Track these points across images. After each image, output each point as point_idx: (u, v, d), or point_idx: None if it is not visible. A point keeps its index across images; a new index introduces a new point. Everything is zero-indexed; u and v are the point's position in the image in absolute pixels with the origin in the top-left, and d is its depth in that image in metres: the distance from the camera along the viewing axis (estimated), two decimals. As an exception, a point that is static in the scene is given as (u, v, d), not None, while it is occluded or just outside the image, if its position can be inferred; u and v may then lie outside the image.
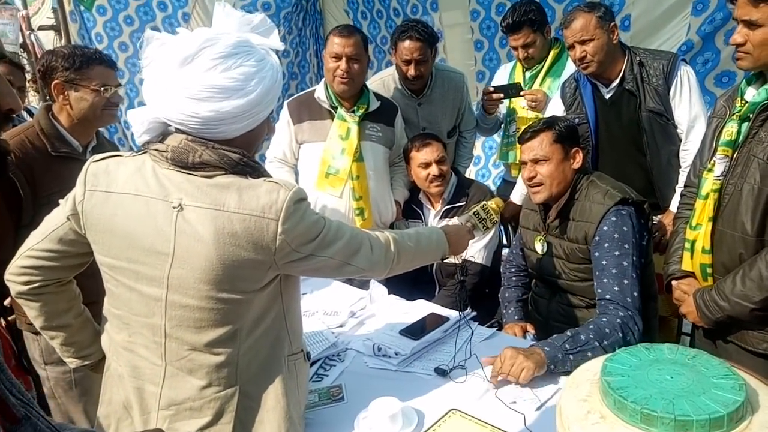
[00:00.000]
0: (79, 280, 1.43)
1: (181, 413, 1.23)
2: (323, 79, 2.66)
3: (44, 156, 1.86)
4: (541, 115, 2.81)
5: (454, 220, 1.80)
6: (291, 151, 2.73)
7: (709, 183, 1.72)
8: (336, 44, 2.50)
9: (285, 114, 2.70)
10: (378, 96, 2.72)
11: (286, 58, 4.82)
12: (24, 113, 3.10)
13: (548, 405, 1.55)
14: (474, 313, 2.01)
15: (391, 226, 2.83)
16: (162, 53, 1.17)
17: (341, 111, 2.59)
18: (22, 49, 5.20)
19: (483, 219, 1.75)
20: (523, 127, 2.77)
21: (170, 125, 1.21)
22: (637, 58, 2.40)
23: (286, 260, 1.20)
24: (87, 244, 1.27)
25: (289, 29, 4.76)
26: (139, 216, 1.18)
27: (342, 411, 1.58)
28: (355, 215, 2.63)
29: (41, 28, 5.24)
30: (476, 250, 2.55)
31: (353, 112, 2.59)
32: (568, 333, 1.73)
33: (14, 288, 1.34)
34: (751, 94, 1.67)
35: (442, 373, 1.72)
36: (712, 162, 1.74)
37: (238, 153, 1.19)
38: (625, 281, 1.84)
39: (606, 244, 1.90)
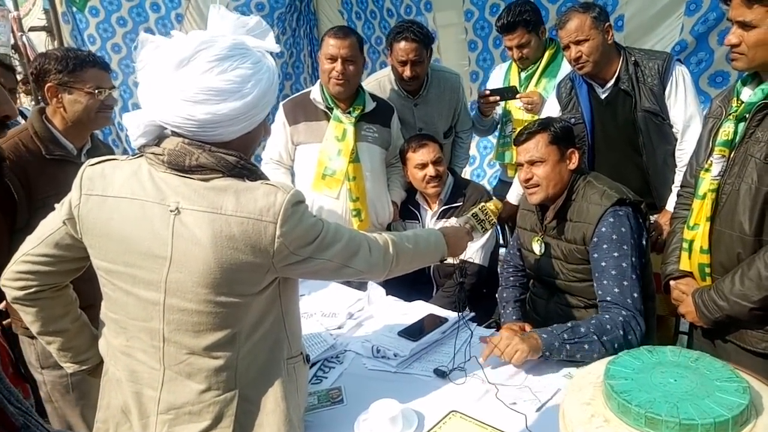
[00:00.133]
0: (75, 284, 1.41)
1: (180, 417, 1.22)
2: (319, 81, 2.65)
3: (38, 159, 1.85)
4: (537, 117, 2.81)
5: (452, 221, 1.79)
6: (287, 152, 2.72)
7: (707, 183, 1.72)
8: (331, 46, 2.49)
9: (280, 115, 2.69)
10: (374, 97, 2.71)
11: (280, 59, 4.81)
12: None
13: (548, 405, 1.55)
14: (473, 314, 2.01)
15: (388, 227, 2.82)
16: (157, 56, 1.16)
17: (337, 112, 2.58)
18: (13, 51, 5.16)
19: (482, 221, 1.75)
20: (519, 128, 2.78)
21: (166, 128, 1.20)
22: (632, 58, 2.41)
23: (285, 263, 1.19)
24: (83, 248, 1.26)
25: (283, 30, 4.74)
26: (136, 220, 1.17)
27: (341, 413, 1.58)
28: (351, 216, 2.62)
29: (32, 29, 5.21)
30: (473, 251, 2.55)
31: (349, 113, 2.59)
32: (569, 324, 1.76)
33: (10, 293, 1.33)
34: (747, 94, 1.67)
35: (442, 374, 1.71)
36: (708, 162, 1.74)
37: (235, 156, 1.18)
38: (625, 282, 1.85)
39: (604, 246, 1.90)
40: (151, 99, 1.17)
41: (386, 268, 1.41)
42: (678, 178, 2.42)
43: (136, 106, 4.53)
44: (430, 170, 2.57)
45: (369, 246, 1.35)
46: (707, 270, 1.76)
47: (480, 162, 4.48)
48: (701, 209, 1.74)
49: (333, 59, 2.50)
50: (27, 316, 1.35)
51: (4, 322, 1.90)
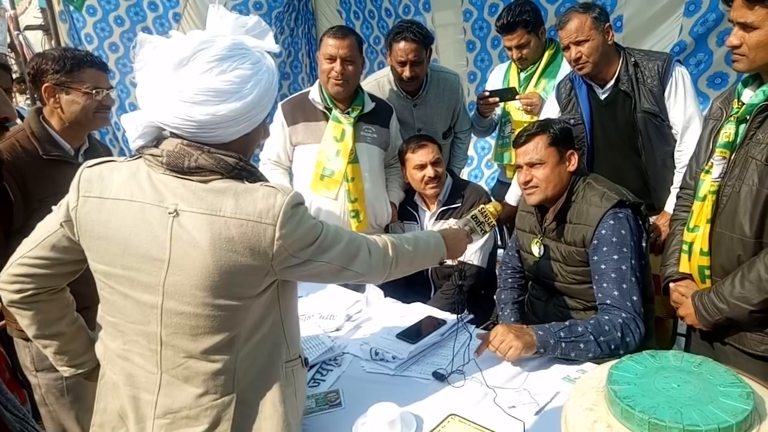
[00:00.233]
0: (72, 286, 1.40)
1: (177, 422, 1.21)
2: (317, 81, 2.64)
3: (35, 160, 1.83)
4: (536, 118, 2.81)
5: (451, 222, 1.79)
6: (285, 152, 2.70)
7: (707, 185, 1.72)
8: (330, 46, 2.48)
9: (279, 115, 2.67)
10: (373, 97, 2.70)
11: (278, 58, 4.79)
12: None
13: (547, 409, 1.54)
14: (471, 316, 2.00)
15: (387, 228, 2.81)
16: (155, 56, 1.15)
17: (336, 112, 2.57)
18: (9, 50, 5.14)
19: (481, 223, 1.75)
20: (517, 129, 2.77)
21: (165, 129, 1.19)
22: (632, 59, 2.40)
23: (284, 266, 1.18)
24: (81, 251, 1.25)
25: (281, 29, 4.73)
26: (134, 222, 1.16)
27: (340, 417, 1.56)
28: (350, 217, 2.61)
29: (28, 27, 5.17)
30: (472, 252, 2.54)
31: (348, 113, 2.58)
32: (567, 323, 1.78)
33: (6, 297, 1.31)
34: (748, 95, 1.67)
35: (441, 377, 1.70)
36: (709, 164, 1.74)
37: (235, 157, 1.18)
38: (625, 285, 1.84)
39: (604, 248, 1.89)
40: (150, 100, 1.16)
41: (386, 271, 1.40)
42: (677, 179, 2.42)
43: (133, 106, 4.54)
44: (429, 171, 2.56)
45: (369, 248, 1.34)
46: (707, 272, 1.75)
47: (478, 162, 4.47)
48: (701, 211, 1.73)
49: (332, 59, 2.48)
50: (23, 319, 1.34)
51: (-1, 325, 1.89)
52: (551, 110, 2.67)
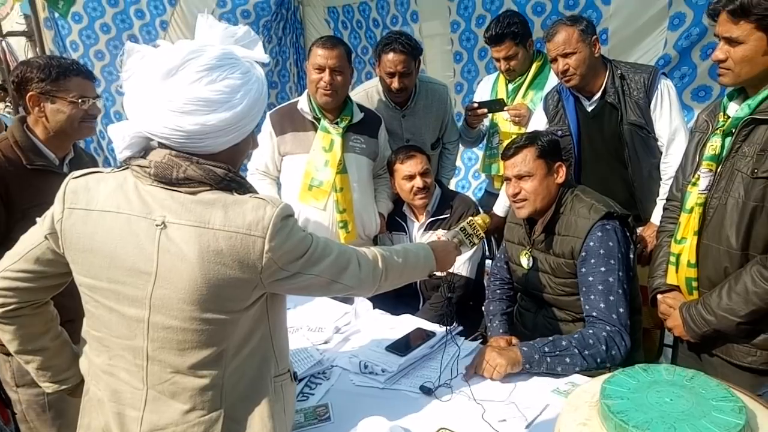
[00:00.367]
0: (56, 299, 1.37)
1: (163, 439, 1.19)
2: (306, 91, 2.63)
3: (19, 169, 1.80)
4: (523, 129, 2.82)
5: (440, 232, 1.79)
6: (273, 163, 2.69)
7: (694, 197, 1.73)
8: (319, 56, 2.48)
9: (267, 125, 2.66)
10: (361, 107, 2.70)
11: (265, 67, 4.78)
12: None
13: (537, 422, 1.54)
14: (460, 328, 1.99)
15: (375, 239, 2.80)
16: (143, 66, 1.13)
17: (324, 123, 2.56)
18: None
19: (470, 235, 1.75)
20: (505, 140, 2.78)
21: (153, 140, 1.17)
22: (619, 72, 2.43)
23: (273, 279, 1.17)
24: (65, 264, 1.22)
25: (268, 38, 4.72)
26: (121, 234, 1.14)
27: (328, 431, 1.54)
28: (338, 228, 2.60)
29: (11, 34, 5.10)
30: (460, 263, 2.54)
31: (337, 123, 2.57)
32: (551, 338, 1.79)
33: (-13, 311, 1.28)
34: (734, 109, 1.69)
35: (428, 391, 1.69)
36: (696, 176, 1.76)
37: (224, 168, 1.16)
38: (611, 297, 1.85)
39: (592, 260, 1.90)
40: (138, 109, 1.14)
41: (375, 283, 1.39)
42: (663, 190, 2.44)
43: (119, 114, 4.50)
44: (418, 182, 2.56)
45: (358, 261, 1.33)
46: (694, 284, 1.76)
47: (465, 173, 4.49)
48: (688, 223, 1.75)
49: (321, 69, 2.48)
50: (5, 334, 1.31)
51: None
52: (539, 122, 2.69)
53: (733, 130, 1.64)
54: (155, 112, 1.11)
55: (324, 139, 2.56)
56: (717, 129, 1.71)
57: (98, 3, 4.34)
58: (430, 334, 1.97)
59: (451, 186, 4.00)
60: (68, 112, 1.84)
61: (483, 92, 3.17)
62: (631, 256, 1.99)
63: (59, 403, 1.86)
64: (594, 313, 1.86)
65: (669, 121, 2.39)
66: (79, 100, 1.85)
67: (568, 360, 1.73)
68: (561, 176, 2.05)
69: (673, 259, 1.81)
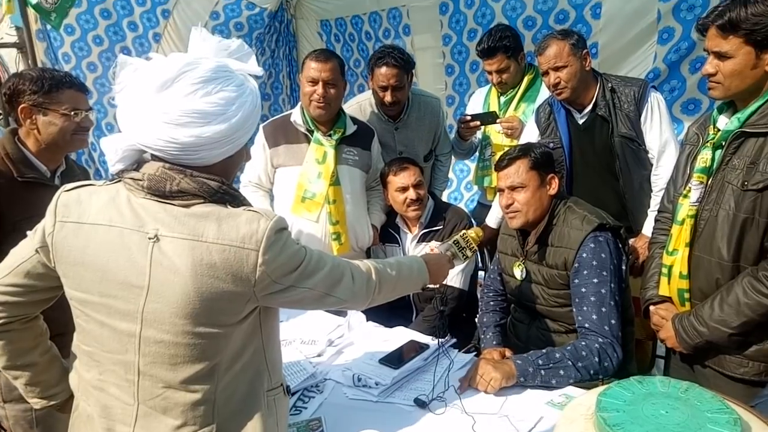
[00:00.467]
0: (46, 312, 1.35)
1: (154, 455, 1.17)
2: (299, 103, 2.64)
3: (10, 182, 1.79)
4: (515, 141, 2.84)
5: (433, 244, 1.79)
6: (266, 175, 2.69)
7: (685, 209, 1.75)
8: (313, 69, 2.49)
9: (260, 137, 2.66)
10: (354, 120, 2.71)
11: (258, 80, 4.78)
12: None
13: (531, 435, 1.53)
14: (454, 340, 1.99)
15: (368, 251, 2.80)
16: (137, 78, 1.13)
17: (318, 135, 2.56)
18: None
19: (463, 248, 1.77)
20: (498, 152, 2.80)
21: (146, 152, 1.17)
22: (609, 85, 2.45)
23: (266, 292, 1.16)
24: (56, 277, 1.21)
25: (261, 50, 4.73)
26: (113, 248, 1.13)
27: (322, 446, 1.54)
28: (331, 240, 2.59)
29: (2, 45, 5.07)
30: (453, 275, 2.54)
31: (330, 135, 2.57)
32: (544, 350, 1.80)
33: (-25, 325, 1.26)
34: (723, 122, 1.71)
35: (422, 404, 1.68)
36: (687, 188, 1.77)
37: (217, 181, 1.16)
38: (604, 309, 1.86)
39: (585, 272, 1.91)
40: (132, 122, 1.14)
41: (369, 296, 1.38)
42: (654, 202, 2.46)
43: (111, 126, 4.48)
44: (411, 193, 2.56)
45: (352, 274, 1.32)
46: (686, 295, 1.77)
47: (457, 185, 4.50)
48: (680, 235, 1.76)
49: (314, 82, 2.49)
50: (-7, 349, 1.29)
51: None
52: (531, 134, 2.70)
53: (723, 143, 1.66)
54: (150, 124, 1.11)
55: (317, 151, 2.56)
56: (707, 142, 1.73)
57: (91, 15, 4.33)
58: (423, 347, 1.96)
59: (444, 198, 4.01)
60: (60, 125, 1.83)
61: (475, 105, 3.19)
62: (624, 267, 2.00)
63: (47, 419, 1.83)
64: (586, 325, 1.86)
65: (659, 133, 2.41)
66: (72, 113, 1.84)
67: (562, 372, 1.74)
68: (554, 188, 2.06)
69: (665, 270, 1.82)
